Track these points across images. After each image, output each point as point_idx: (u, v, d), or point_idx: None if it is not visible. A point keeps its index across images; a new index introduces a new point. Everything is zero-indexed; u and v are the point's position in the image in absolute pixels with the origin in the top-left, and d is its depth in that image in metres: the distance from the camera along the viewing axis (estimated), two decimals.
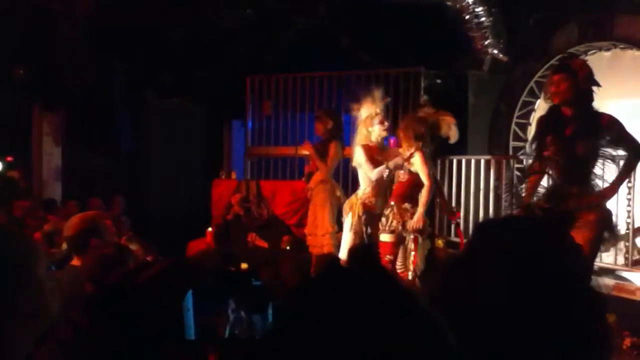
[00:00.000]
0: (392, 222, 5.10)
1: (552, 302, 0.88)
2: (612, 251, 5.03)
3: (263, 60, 8.31)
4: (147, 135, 8.84)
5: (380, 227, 5.20)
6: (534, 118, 6.88)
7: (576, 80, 3.71)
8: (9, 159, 8.41)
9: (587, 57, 6.85)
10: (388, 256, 5.09)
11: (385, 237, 5.14)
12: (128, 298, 1.19)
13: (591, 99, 3.77)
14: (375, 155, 5.54)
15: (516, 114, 7.28)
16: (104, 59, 7.85)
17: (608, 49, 6.70)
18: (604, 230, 3.74)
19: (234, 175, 8.49)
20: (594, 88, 3.82)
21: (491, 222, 1.19)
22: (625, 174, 3.79)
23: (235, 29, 7.95)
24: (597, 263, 5.27)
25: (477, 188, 6.78)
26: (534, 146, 3.98)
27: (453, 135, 5.40)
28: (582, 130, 3.71)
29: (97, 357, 1.15)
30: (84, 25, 7.46)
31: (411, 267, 5.08)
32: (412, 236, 5.07)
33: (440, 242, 6.76)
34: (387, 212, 5.18)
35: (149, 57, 7.94)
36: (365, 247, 4.28)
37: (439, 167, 6.83)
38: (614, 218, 3.92)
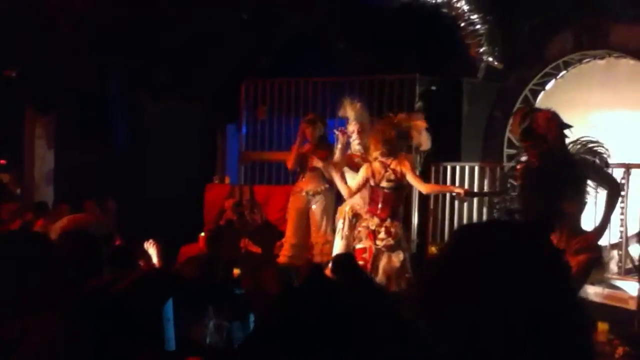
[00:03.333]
0: (358, 232, 5.22)
1: (531, 304, 0.86)
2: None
3: (257, 64, 8.30)
4: (141, 137, 8.80)
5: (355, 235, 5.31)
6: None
7: (547, 145, 3.73)
8: (2, 161, 8.36)
9: (581, 65, 6.89)
10: (359, 262, 5.18)
11: (357, 245, 5.26)
12: (103, 306, 1.17)
13: (563, 150, 3.77)
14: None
15: (510, 121, 7.27)
16: (98, 60, 7.82)
17: (602, 57, 6.71)
18: (591, 269, 3.73)
19: (227, 180, 8.46)
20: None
21: (470, 226, 1.17)
22: (608, 213, 3.75)
23: (231, 31, 7.94)
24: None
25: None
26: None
27: (424, 142, 5.41)
28: (561, 188, 3.72)
29: None
30: (78, 26, 7.43)
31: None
32: (369, 245, 5.11)
33: (433, 249, 6.75)
34: (358, 222, 5.30)
35: (144, 59, 7.91)
36: (347, 255, 4.27)
37: (432, 173, 6.83)
38: (603, 253, 3.89)
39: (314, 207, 6.18)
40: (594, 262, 3.74)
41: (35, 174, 8.42)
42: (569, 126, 3.82)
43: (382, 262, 5.08)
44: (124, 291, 1.44)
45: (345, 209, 5.61)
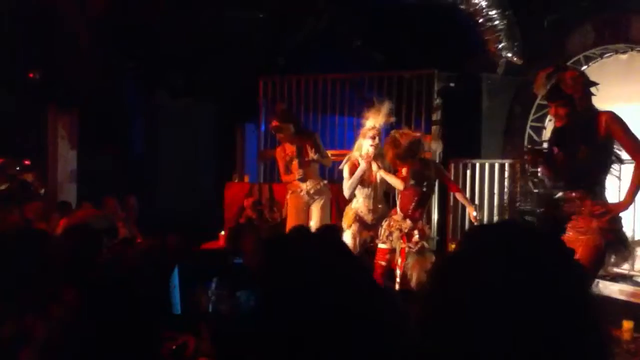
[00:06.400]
0: (385, 232, 5.18)
1: (540, 308, 0.86)
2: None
3: (275, 62, 8.32)
4: (158, 136, 8.88)
5: (378, 234, 5.29)
6: (549, 121, 6.81)
7: (573, 104, 3.66)
8: (27, 162, 8.50)
9: (603, 60, 6.79)
10: (382, 262, 5.17)
11: (380, 245, 5.25)
12: (115, 275, 1.22)
13: (590, 108, 3.70)
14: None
15: (531, 117, 7.20)
16: (115, 60, 7.90)
17: (625, 52, 6.61)
18: (610, 240, 3.64)
19: (246, 179, 8.50)
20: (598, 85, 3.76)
21: (483, 227, 1.18)
22: (636, 185, 3.65)
23: (247, 30, 7.97)
24: (614, 269, 5.19)
25: (492, 192, 6.72)
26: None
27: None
28: (582, 136, 3.66)
29: (87, 331, 1.18)
30: (95, 27, 7.52)
31: (397, 278, 5.07)
32: (401, 247, 5.07)
33: (453, 247, 6.72)
34: (384, 222, 5.25)
35: (160, 59, 7.98)
36: (330, 227, 4.20)
37: (452, 170, 6.79)
38: (623, 229, 3.79)
39: (314, 206, 6.12)
40: (611, 234, 3.64)
41: (58, 173, 8.56)
42: (594, 83, 3.74)
43: (413, 263, 5.06)
44: (133, 261, 1.49)
45: (350, 213, 5.55)
